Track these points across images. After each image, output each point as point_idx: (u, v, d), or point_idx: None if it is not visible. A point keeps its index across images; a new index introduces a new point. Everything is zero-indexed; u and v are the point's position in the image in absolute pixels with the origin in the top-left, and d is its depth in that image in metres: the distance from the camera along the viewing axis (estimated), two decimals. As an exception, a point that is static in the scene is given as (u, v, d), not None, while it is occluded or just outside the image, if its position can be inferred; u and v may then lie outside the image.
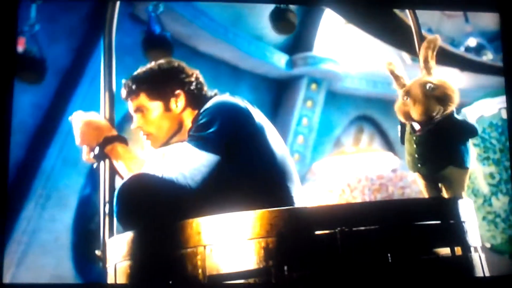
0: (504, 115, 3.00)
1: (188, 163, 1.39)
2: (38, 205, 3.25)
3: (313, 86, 5.35)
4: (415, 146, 1.40)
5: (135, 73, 1.59)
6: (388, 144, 5.32)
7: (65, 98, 3.47)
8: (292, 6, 3.37)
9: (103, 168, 1.56)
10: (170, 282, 1.19)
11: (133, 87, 1.57)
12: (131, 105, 1.59)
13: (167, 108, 1.57)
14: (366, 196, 3.87)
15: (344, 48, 5.16)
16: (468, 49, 4.60)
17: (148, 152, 1.63)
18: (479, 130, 3.18)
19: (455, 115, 1.39)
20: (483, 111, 3.11)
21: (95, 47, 3.62)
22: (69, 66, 3.58)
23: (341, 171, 4.47)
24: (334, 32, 5.07)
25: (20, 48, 2.97)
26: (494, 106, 3.06)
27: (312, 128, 5.32)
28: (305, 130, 5.29)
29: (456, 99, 1.39)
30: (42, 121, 3.36)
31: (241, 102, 1.50)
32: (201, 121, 1.46)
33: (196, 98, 1.58)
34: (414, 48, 1.74)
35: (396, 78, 1.44)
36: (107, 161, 1.56)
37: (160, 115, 1.58)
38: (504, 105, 2.62)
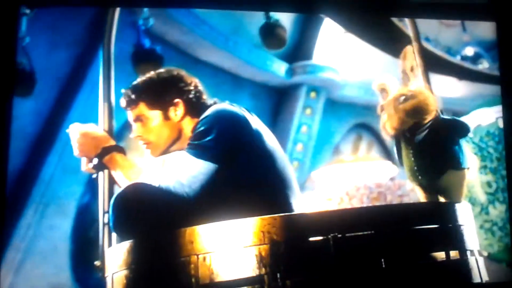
0: (501, 124, 3.01)
1: (185, 171, 1.40)
2: (37, 212, 3.25)
3: (312, 94, 5.37)
4: (413, 159, 1.41)
5: (135, 82, 1.61)
6: (387, 152, 5.33)
7: (65, 105, 3.48)
8: (282, 21, 3.38)
9: (102, 178, 1.57)
10: None
11: (133, 96, 1.59)
12: (130, 115, 1.61)
13: (166, 117, 1.59)
14: (364, 204, 3.88)
15: (343, 57, 5.18)
16: (465, 58, 4.62)
17: (147, 160, 1.64)
18: (476, 139, 3.21)
19: (443, 116, 1.40)
20: (480, 120, 3.12)
21: (95, 55, 3.63)
22: (70, 74, 3.59)
23: (339, 180, 4.48)
24: (333, 41, 5.09)
25: None
26: (491, 115, 3.07)
27: (311, 135, 5.33)
28: (304, 137, 5.31)
29: (431, 108, 1.39)
30: (42, 129, 3.37)
31: (239, 110, 1.51)
32: (199, 129, 1.47)
33: (195, 107, 1.59)
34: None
35: (384, 97, 1.46)
36: (106, 171, 1.57)
37: (160, 124, 1.59)
38: (501, 114, 2.63)
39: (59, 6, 3.30)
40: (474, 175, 1.48)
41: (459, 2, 2.37)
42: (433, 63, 3.90)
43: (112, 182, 1.58)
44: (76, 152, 1.61)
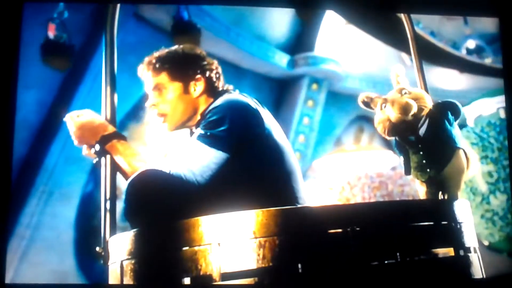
0: (502, 114, 3.03)
1: (197, 160, 1.40)
2: (41, 201, 3.27)
3: (314, 86, 5.37)
4: (421, 152, 1.42)
5: (158, 53, 1.61)
6: (388, 144, 5.33)
7: (68, 95, 3.49)
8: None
9: (104, 165, 1.55)
10: (183, 280, 1.18)
11: (156, 64, 1.58)
12: (150, 82, 1.59)
13: (186, 91, 1.58)
14: (365, 193, 3.89)
15: (345, 49, 5.18)
16: (467, 51, 4.62)
17: (149, 148, 1.65)
18: (478, 129, 3.22)
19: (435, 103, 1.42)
20: (481, 110, 3.14)
21: (98, 45, 3.63)
22: (73, 62, 3.60)
23: (341, 169, 4.48)
24: (335, 32, 5.09)
25: (51, 34, 3.01)
26: (493, 105, 3.09)
27: (313, 127, 5.34)
28: (306, 129, 5.31)
29: (429, 103, 1.42)
30: (45, 118, 3.38)
31: (251, 102, 1.51)
32: (212, 118, 1.46)
33: (213, 87, 1.60)
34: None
35: (372, 100, 1.48)
36: (108, 157, 1.54)
37: (178, 96, 1.58)
38: (502, 104, 2.65)
39: (63, 1, 3.31)
40: (475, 169, 1.49)
41: None
42: (435, 56, 3.90)
43: (114, 168, 1.56)
44: (75, 142, 1.59)
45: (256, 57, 5.03)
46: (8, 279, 2.19)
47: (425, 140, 1.40)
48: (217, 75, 1.63)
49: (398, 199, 3.93)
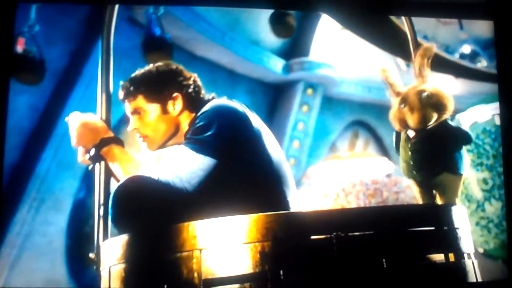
0: (497, 121, 3.03)
1: (184, 166, 1.39)
2: (32, 208, 3.24)
3: (309, 91, 5.37)
4: (410, 153, 1.41)
5: (133, 75, 1.59)
6: (383, 149, 5.34)
7: (61, 100, 3.47)
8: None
9: (99, 170, 1.55)
10: (165, 286, 1.18)
11: (131, 88, 1.57)
12: (128, 107, 1.59)
13: (165, 111, 1.57)
14: (360, 200, 3.88)
15: (340, 54, 5.18)
16: (462, 56, 4.63)
17: (144, 155, 1.63)
18: (473, 136, 3.21)
19: (449, 122, 1.40)
20: (476, 117, 3.13)
21: (92, 49, 3.62)
22: (66, 68, 3.58)
23: (336, 176, 4.48)
24: (331, 37, 5.09)
25: (20, 48, 2.97)
26: (488, 112, 3.09)
27: (308, 132, 5.34)
28: (301, 134, 5.31)
29: (451, 106, 1.40)
30: (38, 124, 3.36)
31: (239, 106, 1.50)
32: (199, 124, 1.46)
33: (193, 101, 1.58)
34: (409, 54, 1.75)
35: (391, 85, 1.45)
36: (102, 163, 1.54)
37: (157, 117, 1.57)
38: (497, 111, 2.65)
39: (57, 3, 3.29)
40: (468, 171, 1.48)
41: (457, 1, 2.37)
42: (430, 61, 3.90)
43: (108, 174, 1.56)
44: (73, 141, 1.58)
45: (251, 62, 5.02)
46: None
47: (420, 146, 1.39)
48: (196, 89, 1.61)
49: (393, 206, 3.95)
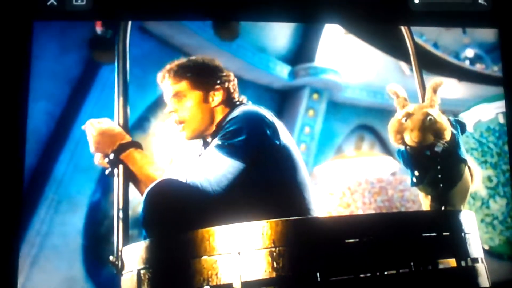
0: (501, 119, 3.09)
1: (214, 169, 1.45)
2: (50, 209, 3.32)
3: (315, 96, 5.43)
4: (436, 167, 1.46)
5: (178, 61, 1.67)
6: (388, 152, 5.38)
7: (76, 106, 3.56)
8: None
9: (117, 175, 1.59)
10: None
11: (178, 72, 1.64)
12: (170, 89, 1.65)
13: (205, 100, 1.66)
14: (366, 198, 3.93)
15: (345, 59, 5.26)
16: (465, 59, 4.69)
17: (159, 157, 1.69)
18: (477, 134, 3.27)
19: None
20: (480, 116, 3.19)
21: (105, 57, 3.71)
22: (80, 75, 3.67)
23: (341, 175, 4.53)
24: (335, 43, 5.17)
25: (98, 29, 3.10)
26: (492, 111, 3.14)
27: (314, 136, 5.39)
28: (307, 138, 5.36)
29: (448, 138, 1.47)
30: (54, 129, 3.44)
31: (268, 114, 1.57)
32: (230, 129, 1.52)
33: (230, 97, 1.67)
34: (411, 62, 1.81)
35: (397, 97, 1.53)
36: (121, 167, 1.59)
37: (197, 104, 1.65)
38: (501, 110, 2.71)
39: (73, 21, 3.39)
40: (478, 183, 1.52)
41: (461, 10, 2.40)
42: (434, 65, 3.97)
43: (127, 178, 1.60)
44: (92, 148, 1.63)
45: (257, 69, 5.08)
46: (19, 285, 2.24)
47: (441, 156, 1.44)
48: (234, 87, 1.71)
49: (398, 204, 3.99)
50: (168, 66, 1.75)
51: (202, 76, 1.74)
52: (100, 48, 3.15)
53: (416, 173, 1.50)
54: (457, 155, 1.43)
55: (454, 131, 1.48)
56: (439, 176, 1.45)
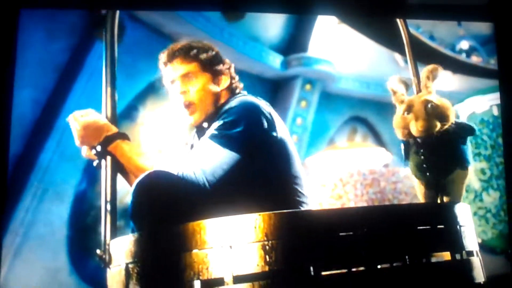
0: (495, 111, 3.07)
1: (209, 159, 1.41)
2: (35, 197, 3.26)
3: (308, 86, 5.39)
4: (422, 157, 1.44)
5: (187, 42, 1.63)
6: (381, 144, 5.36)
7: (62, 94, 3.48)
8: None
9: (105, 167, 1.53)
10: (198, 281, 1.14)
11: (190, 53, 1.60)
12: (179, 69, 1.60)
13: (214, 83, 1.62)
14: (358, 190, 3.91)
15: (338, 49, 5.21)
16: (460, 51, 4.66)
17: (147, 147, 1.64)
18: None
19: (455, 120, 1.44)
20: (474, 108, 3.17)
21: (92, 44, 3.64)
22: (68, 62, 3.59)
23: (333, 166, 4.51)
24: (329, 33, 5.12)
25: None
26: (485, 103, 3.13)
27: (306, 128, 5.36)
28: (299, 130, 5.33)
29: (453, 118, 1.44)
30: (40, 116, 3.37)
31: (265, 105, 1.53)
32: (227, 119, 1.48)
33: (234, 84, 1.65)
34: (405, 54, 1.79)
35: (395, 92, 1.49)
36: (108, 159, 1.53)
37: (205, 86, 1.61)
38: (495, 102, 2.69)
39: (62, 9, 3.30)
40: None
41: (457, 3, 2.40)
42: (428, 57, 3.94)
43: (115, 170, 1.54)
44: (77, 142, 1.58)
45: (249, 58, 5.04)
46: (1, 276, 2.18)
47: (432, 148, 1.42)
48: (235, 73, 1.69)
49: (390, 196, 3.97)
50: (175, 46, 1.69)
51: (213, 59, 1.71)
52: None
53: (413, 164, 1.47)
54: (454, 139, 1.40)
55: (454, 133, 1.46)
56: (425, 165, 1.42)
